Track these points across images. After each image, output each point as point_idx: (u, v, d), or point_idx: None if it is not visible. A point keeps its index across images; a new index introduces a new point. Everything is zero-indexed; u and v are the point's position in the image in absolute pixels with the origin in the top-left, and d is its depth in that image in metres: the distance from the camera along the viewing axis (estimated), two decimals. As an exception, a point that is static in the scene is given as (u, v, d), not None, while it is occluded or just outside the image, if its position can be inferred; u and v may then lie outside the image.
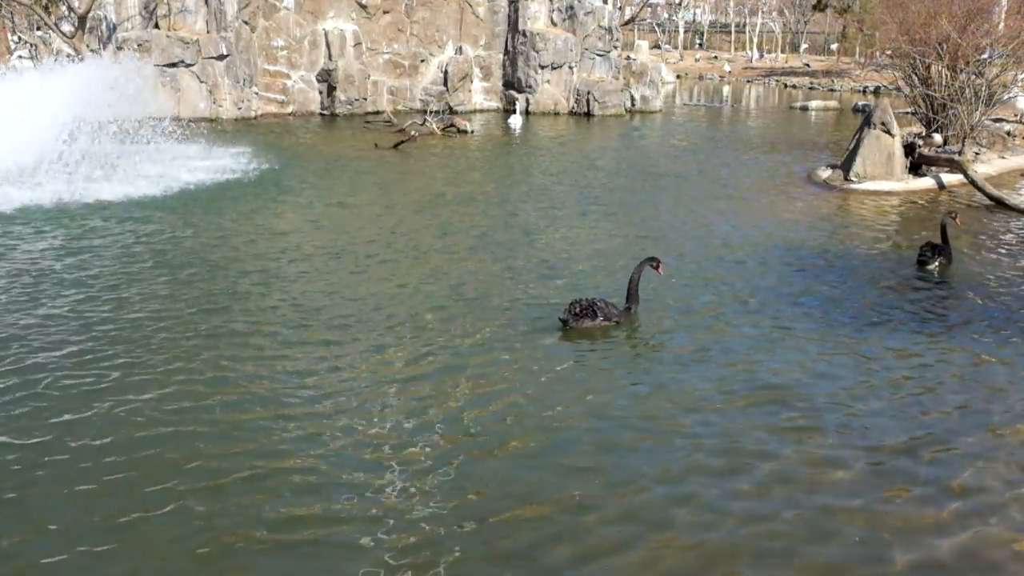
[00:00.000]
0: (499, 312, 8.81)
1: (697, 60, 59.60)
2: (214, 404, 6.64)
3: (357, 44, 26.31)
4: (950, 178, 16.46)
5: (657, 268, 8.85)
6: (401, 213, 13.41)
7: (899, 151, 16.55)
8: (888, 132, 16.32)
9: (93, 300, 8.82)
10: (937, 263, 10.76)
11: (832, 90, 42.48)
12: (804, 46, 61.71)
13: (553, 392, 6.98)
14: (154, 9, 23.51)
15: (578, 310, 8.27)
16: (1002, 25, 20.07)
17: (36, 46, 28.01)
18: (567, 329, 8.27)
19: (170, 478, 5.56)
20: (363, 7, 26.53)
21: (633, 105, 29.20)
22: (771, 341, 8.18)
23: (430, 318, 8.58)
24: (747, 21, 68.41)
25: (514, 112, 25.56)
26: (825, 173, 17.01)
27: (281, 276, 9.90)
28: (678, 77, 47.46)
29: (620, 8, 31.80)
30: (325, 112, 25.93)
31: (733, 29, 72.10)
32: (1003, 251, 11.96)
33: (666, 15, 73.82)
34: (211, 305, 8.83)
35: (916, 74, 18.92)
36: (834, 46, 58.06)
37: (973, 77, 18.03)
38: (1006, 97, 19.23)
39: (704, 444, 6.16)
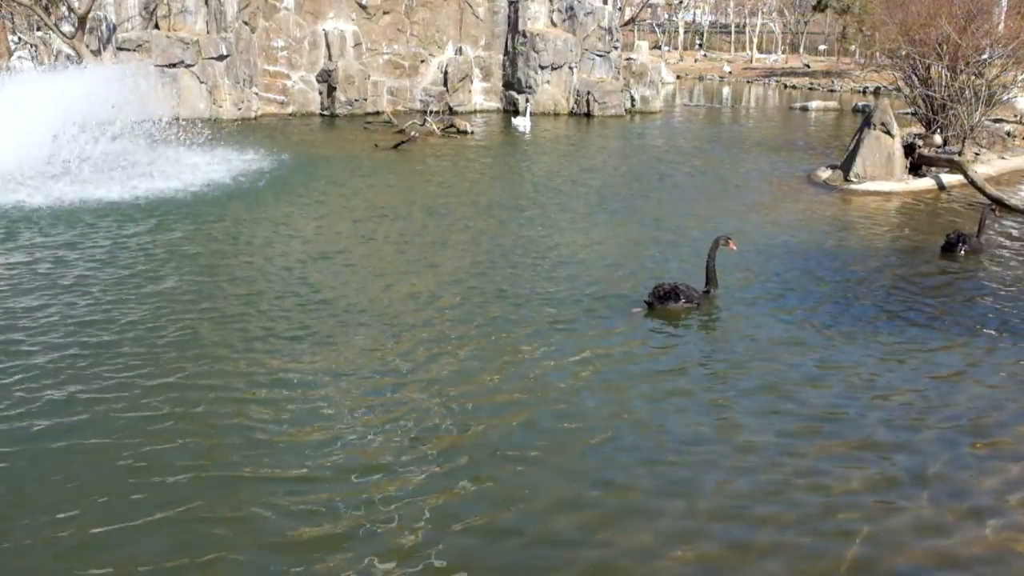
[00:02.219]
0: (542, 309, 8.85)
1: (696, 60, 59.64)
2: (240, 407, 6.61)
3: (357, 44, 26.31)
4: (950, 178, 16.46)
5: (727, 244, 9.29)
6: (413, 214, 13.38)
7: (899, 151, 16.55)
8: (888, 132, 16.32)
9: (96, 301, 8.83)
10: (963, 250, 11.26)
11: (832, 91, 42.49)
12: (822, 47, 61.33)
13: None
14: (154, 10, 23.51)
15: (661, 293, 8.74)
16: (1002, 26, 20.08)
17: (36, 47, 27.99)
18: (651, 310, 8.71)
19: (173, 479, 5.56)
20: (363, 7, 26.53)
21: (633, 106, 29.21)
22: (819, 341, 8.21)
23: (452, 321, 8.57)
24: (747, 22, 68.43)
25: (519, 113, 25.49)
26: (825, 174, 17.02)
27: (302, 280, 9.78)
28: (678, 78, 47.47)
29: (620, 9, 31.77)
30: (325, 112, 25.92)
31: (733, 30, 72.15)
32: (1012, 250, 11.98)
33: (666, 16, 73.84)
34: (229, 309, 8.79)
35: (916, 75, 18.93)
36: (822, 47, 58.07)
37: (973, 78, 18.03)
38: (1006, 98, 19.23)
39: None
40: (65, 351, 7.46)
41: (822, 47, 61.13)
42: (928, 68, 18.47)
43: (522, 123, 24.07)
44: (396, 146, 19.85)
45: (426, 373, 7.27)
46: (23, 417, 6.29)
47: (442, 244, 11.64)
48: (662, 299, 8.72)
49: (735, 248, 9.46)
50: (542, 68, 27.39)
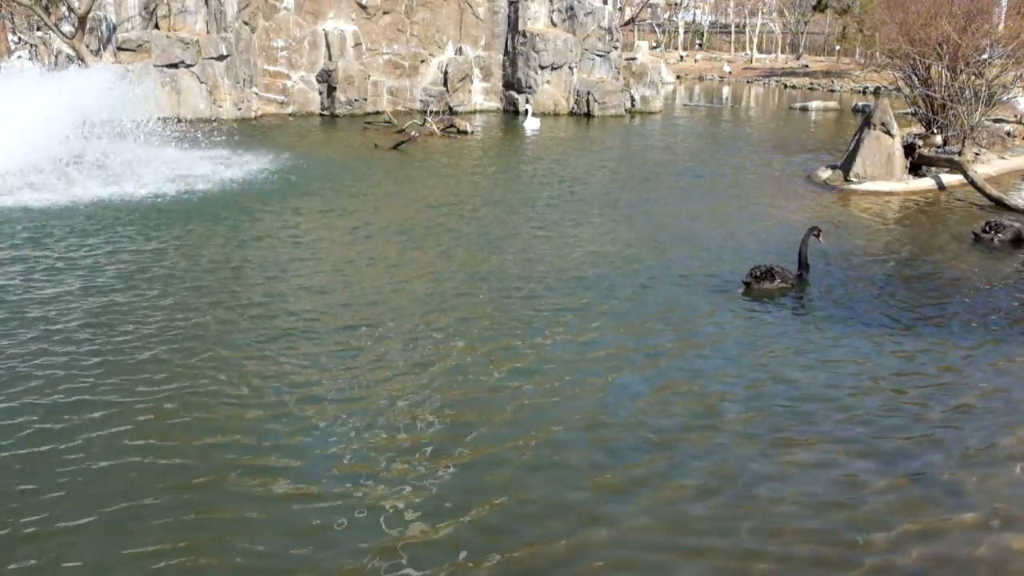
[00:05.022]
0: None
1: (697, 60, 59.67)
2: (265, 413, 6.55)
3: (357, 44, 26.32)
4: (950, 178, 16.46)
5: (818, 237, 9.93)
6: (420, 213, 13.34)
7: (899, 152, 16.55)
8: (888, 132, 16.32)
9: (95, 303, 8.82)
10: (996, 239, 11.64)
11: (832, 91, 42.49)
12: (834, 46, 60.57)
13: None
14: (154, 10, 23.51)
15: (758, 273, 9.40)
16: (1002, 26, 20.08)
17: (36, 47, 28.02)
18: (749, 290, 9.35)
19: (174, 485, 5.55)
20: (363, 7, 26.53)
21: (633, 106, 29.21)
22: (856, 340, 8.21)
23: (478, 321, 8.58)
24: (747, 22, 68.45)
25: (525, 114, 25.25)
26: (825, 174, 17.02)
27: (323, 286, 9.71)
28: (678, 78, 47.48)
29: (620, 9, 31.78)
30: (325, 112, 25.92)
31: (733, 30, 72.17)
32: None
33: (666, 16, 73.86)
34: (233, 309, 8.72)
35: (916, 75, 18.93)
36: (837, 48, 57.88)
37: (973, 78, 18.03)
38: (1006, 98, 19.24)
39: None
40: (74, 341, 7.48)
41: (835, 46, 60.63)
42: (928, 68, 18.47)
43: (531, 124, 23.90)
44: (396, 146, 19.85)
45: (463, 374, 7.23)
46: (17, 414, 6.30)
47: (453, 241, 11.59)
48: (759, 279, 9.32)
49: (823, 241, 10.13)
50: (542, 68, 27.39)
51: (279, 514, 5.19)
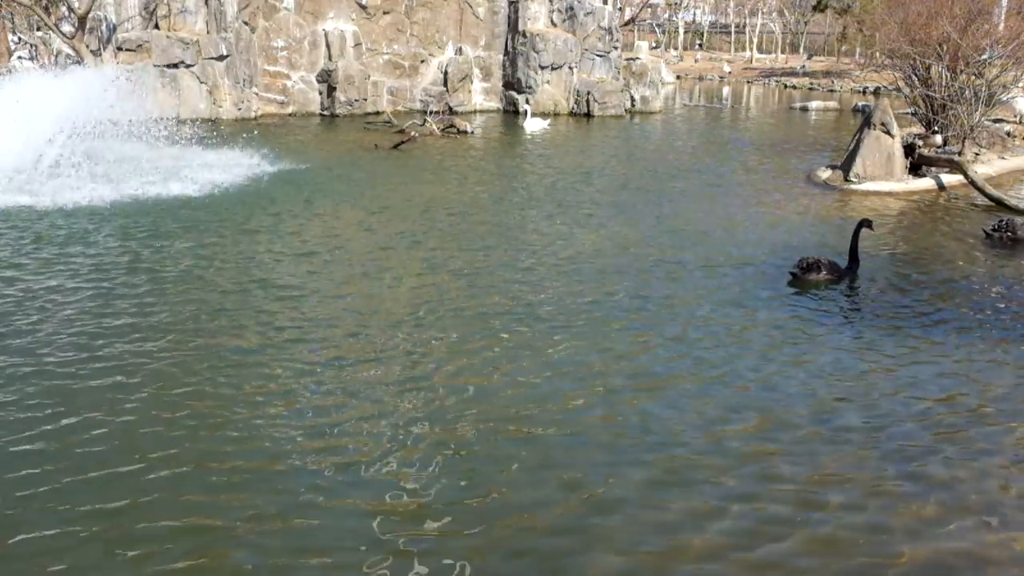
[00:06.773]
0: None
1: (697, 60, 59.68)
2: (283, 415, 6.49)
3: (357, 44, 26.33)
4: (950, 179, 16.46)
5: (870, 227, 10.30)
6: (423, 213, 13.30)
7: (899, 152, 16.55)
8: (888, 132, 16.33)
9: (92, 306, 8.80)
10: (1005, 236, 11.80)
11: (832, 90, 42.49)
12: (835, 46, 60.36)
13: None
14: (154, 10, 23.51)
15: (805, 265, 9.49)
16: (1002, 26, 20.08)
17: (36, 47, 28.02)
18: (796, 281, 9.50)
19: (171, 490, 5.53)
20: (363, 7, 26.54)
21: (633, 106, 29.21)
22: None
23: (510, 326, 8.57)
24: (747, 22, 68.47)
25: (525, 114, 25.14)
26: (825, 174, 17.02)
27: (318, 283, 9.70)
28: (678, 78, 47.50)
29: (620, 9, 31.80)
30: (325, 113, 25.93)
31: (733, 30, 72.19)
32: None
33: (666, 16, 73.89)
34: (234, 311, 8.68)
35: (916, 75, 18.93)
36: (844, 48, 57.85)
37: (973, 78, 18.03)
38: (1006, 98, 19.24)
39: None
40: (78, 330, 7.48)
41: (844, 48, 60.23)
42: (928, 68, 18.47)
43: (534, 125, 23.66)
44: (396, 146, 19.85)
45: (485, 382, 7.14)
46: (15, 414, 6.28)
47: (460, 242, 11.54)
48: (805, 271, 9.43)
49: (873, 230, 10.64)
50: (542, 68, 27.39)
51: (283, 560, 4.81)
